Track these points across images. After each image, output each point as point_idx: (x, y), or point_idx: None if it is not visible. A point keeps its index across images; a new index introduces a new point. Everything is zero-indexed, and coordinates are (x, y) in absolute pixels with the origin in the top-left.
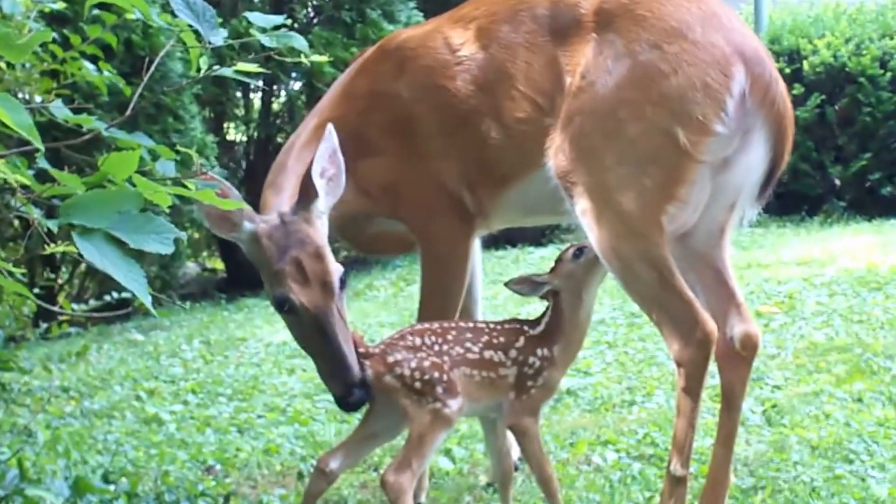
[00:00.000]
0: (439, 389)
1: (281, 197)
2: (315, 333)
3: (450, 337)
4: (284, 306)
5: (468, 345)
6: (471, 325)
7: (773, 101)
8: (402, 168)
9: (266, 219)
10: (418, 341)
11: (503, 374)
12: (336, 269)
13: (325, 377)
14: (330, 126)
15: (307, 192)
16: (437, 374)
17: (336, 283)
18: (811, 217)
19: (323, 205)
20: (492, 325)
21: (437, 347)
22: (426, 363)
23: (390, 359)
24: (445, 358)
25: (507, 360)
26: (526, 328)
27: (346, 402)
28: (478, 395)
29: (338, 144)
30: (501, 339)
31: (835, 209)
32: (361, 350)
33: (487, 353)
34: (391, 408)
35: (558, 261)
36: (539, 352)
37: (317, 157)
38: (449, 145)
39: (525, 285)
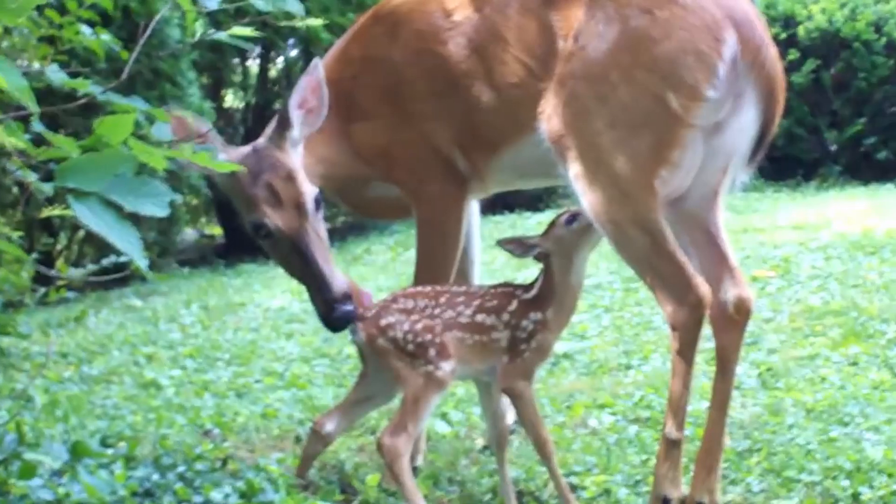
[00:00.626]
0: (432, 352)
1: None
2: (293, 255)
3: (442, 300)
4: (260, 231)
5: (460, 308)
6: (463, 288)
7: (764, 64)
8: (395, 132)
9: (239, 149)
10: (411, 304)
11: (495, 337)
12: (310, 190)
13: (310, 295)
14: (316, 60)
15: (281, 121)
16: (429, 337)
17: (310, 204)
18: (807, 181)
19: (297, 133)
20: (484, 289)
21: (429, 311)
22: (418, 326)
23: (383, 321)
24: (437, 321)
25: (499, 324)
26: (519, 292)
27: (328, 319)
28: (470, 359)
29: (323, 77)
30: (494, 303)
31: (830, 173)
32: (360, 310)
33: (479, 317)
34: (384, 370)
35: (551, 225)
36: (532, 315)
37: (297, 88)
38: (441, 109)
39: (516, 246)
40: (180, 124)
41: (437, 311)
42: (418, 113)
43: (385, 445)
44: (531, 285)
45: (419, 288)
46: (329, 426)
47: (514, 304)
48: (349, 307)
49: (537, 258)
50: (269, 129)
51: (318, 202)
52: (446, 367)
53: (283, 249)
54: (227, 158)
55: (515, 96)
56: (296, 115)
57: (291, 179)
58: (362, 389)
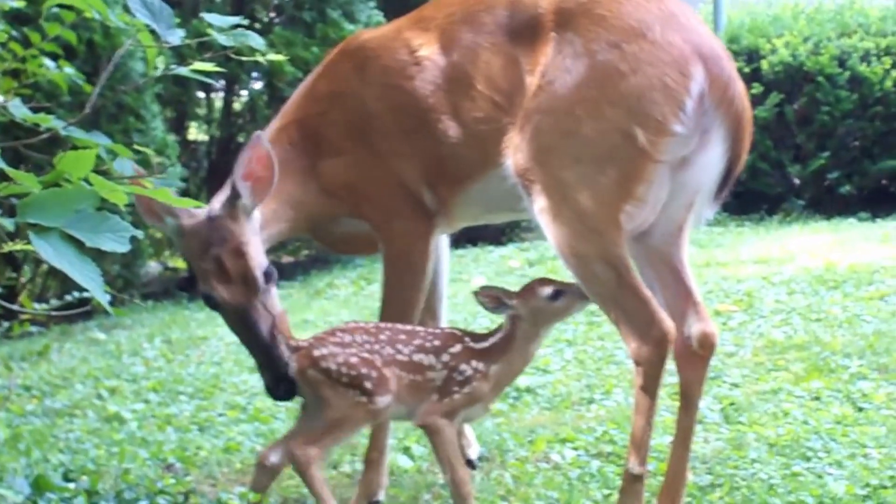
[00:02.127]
0: (368, 385)
1: (222, 194)
2: (240, 328)
3: (382, 337)
4: (209, 302)
5: (399, 346)
6: (407, 328)
7: (732, 100)
8: (363, 168)
9: (193, 213)
10: (349, 338)
11: (430, 377)
12: (259, 265)
13: (258, 368)
14: (258, 133)
15: (231, 192)
16: (365, 371)
17: (259, 279)
18: (770, 216)
19: (248, 203)
20: (428, 330)
21: (368, 346)
22: (354, 359)
23: (316, 353)
24: (377, 356)
25: (437, 364)
26: (467, 339)
27: (274, 394)
28: (406, 398)
29: (268, 150)
30: (436, 343)
31: (793, 208)
32: (292, 343)
33: (418, 357)
34: (316, 400)
35: (530, 291)
36: (473, 363)
37: (240, 160)
38: (408, 145)
39: (492, 300)
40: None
41: (376, 346)
42: (386, 149)
43: (295, 455)
44: (485, 336)
45: (360, 323)
46: (273, 458)
47: (457, 347)
48: (292, 384)
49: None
50: (221, 197)
51: (268, 275)
52: (381, 402)
53: (231, 321)
54: (178, 223)
55: (482, 131)
56: (243, 186)
57: (241, 254)
58: (306, 420)
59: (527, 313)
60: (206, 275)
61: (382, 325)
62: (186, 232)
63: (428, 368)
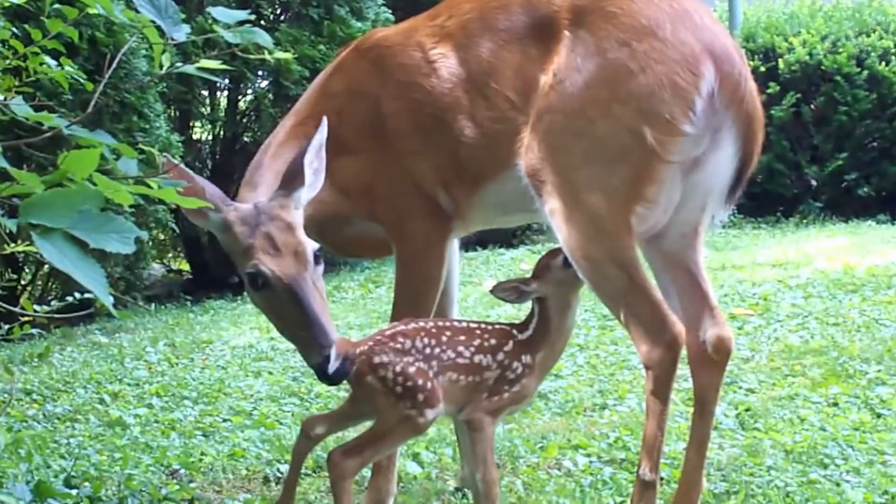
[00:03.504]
0: (420, 397)
1: (256, 192)
2: (290, 304)
3: (443, 338)
4: (258, 281)
5: (461, 348)
6: (464, 326)
7: (743, 99)
8: (378, 167)
9: (238, 206)
10: (409, 344)
11: (487, 377)
12: (309, 242)
13: (303, 350)
14: (325, 119)
15: (293, 179)
16: (421, 382)
17: (310, 254)
18: (786, 218)
19: (304, 195)
20: (483, 327)
21: (427, 350)
22: (411, 369)
23: (376, 360)
24: (434, 363)
25: (493, 364)
26: (515, 332)
27: (325, 372)
28: (460, 399)
29: (325, 138)
30: (492, 342)
31: (810, 210)
32: (351, 343)
33: (477, 358)
34: (366, 401)
35: (544, 267)
36: (523, 358)
37: (310, 147)
38: (424, 144)
39: (511, 291)
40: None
41: (436, 350)
42: (401, 148)
43: (335, 463)
44: (525, 325)
45: (420, 322)
46: (319, 428)
47: (510, 345)
48: (347, 363)
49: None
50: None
51: (317, 257)
52: (430, 414)
53: (280, 298)
54: (223, 216)
55: (497, 131)
56: (309, 174)
57: (291, 229)
58: (357, 407)
59: (549, 289)
60: (254, 250)
61: (442, 323)
62: (233, 221)
63: (486, 369)
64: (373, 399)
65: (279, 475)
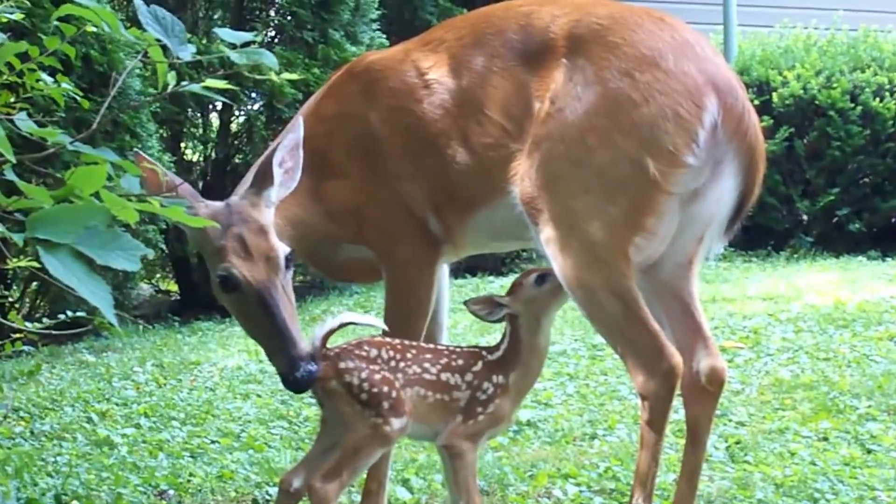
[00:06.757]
0: (385, 405)
1: (242, 186)
2: (259, 310)
3: (409, 355)
4: (227, 283)
5: (426, 365)
6: (431, 346)
7: (746, 132)
8: (367, 191)
9: (210, 203)
10: (374, 353)
11: (456, 396)
12: (281, 247)
13: (270, 355)
14: (299, 117)
15: (262, 178)
16: (385, 390)
17: (281, 259)
18: (777, 252)
19: (275, 195)
20: (452, 348)
21: (393, 363)
22: (376, 377)
23: (342, 365)
24: (399, 375)
25: (462, 384)
26: (485, 353)
27: (291, 378)
28: (428, 417)
29: (302, 138)
30: (460, 362)
31: (802, 244)
32: (320, 348)
33: (444, 376)
34: (332, 413)
35: (518, 285)
36: (494, 378)
37: (280, 146)
38: (415, 168)
39: (484, 306)
40: (152, 176)
41: (401, 364)
42: (392, 172)
43: (315, 489)
44: (496, 346)
45: (387, 339)
46: (296, 482)
47: (479, 365)
48: (313, 367)
49: (501, 319)
50: (243, 186)
51: (289, 261)
52: (396, 423)
53: (249, 303)
54: (198, 212)
55: (490, 157)
56: (277, 173)
57: (263, 233)
58: (326, 439)
59: (521, 307)
60: (226, 252)
61: (408, 342)
62: (205, 218)
63: (454, 388)
64: (338, 408)
65: (268, 497)
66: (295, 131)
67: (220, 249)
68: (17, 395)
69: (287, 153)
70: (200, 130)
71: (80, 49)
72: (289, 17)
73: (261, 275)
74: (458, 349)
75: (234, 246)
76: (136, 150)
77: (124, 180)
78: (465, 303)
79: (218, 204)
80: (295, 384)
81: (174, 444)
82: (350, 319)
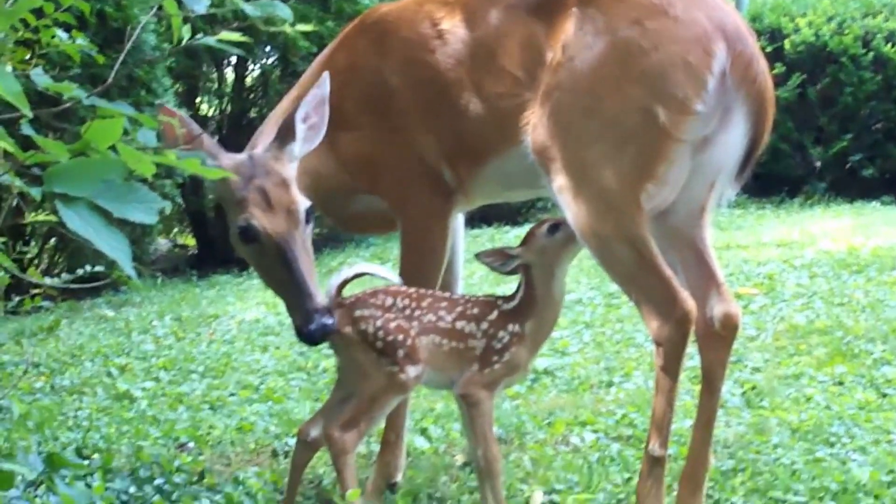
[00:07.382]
0: (400, 353)
1: (265, 137)
2: (277, 262)
3: (424, 304)
4: (247, 234)
5: (441, 313)
6: (447, 295)
7: (755, 79)
8: (381, 142)
9: (232, 156)
10: (390, 301)
11: (472, 345)
12: (302, 200)
13: (287, 307)
14: (325, 73)
15: (285, 133)
16: (400, 338)
17: (301, 213)
18: (791, 198)
19: (298, 149)
20: (467, 297)
21: (408, 311)
22: (391, 325)
23: (357, 313)
24: (414, 323)
25: (477, 332)
26: (500, 302)
27: (305, 331)
28: (444, 365)
29: (328, 94)
30: (475, 311)
31: (815, 191)
32: (336, 297)
33: (459, 324)
34: (348, 362)
35: (530, 235)
36: (510, 327)
37: (304, 101)
38: (428, 119)
39: (496, 258)
40: (169, 129)
41: (416, 313)
42: (405, 123)
43: (333, 438)
44: (512, 296)
45: (402, 287)
46: (314, 432)
47: (494, 314)
48: (328, 320)
49: (514, 271)
50: (264, 139)
51: (309, 214)
52: (412, 371)
53: (268, 255)
54: (221, 164)
55: (503, 107)
56: (300, 128)
57: (285, 186)
58: (342, 388)
59: (534, 256)
60: (247, 203)
61: (424, 291)
62: (228, 170)
63: (469, 336)
64: (354, 356)
65: (287, 449)
66: (321, 86)
67: (241, 200)
68: (36, 351)
69: (312, 108)
70: (216, 85)
71: (95, 5)
72: None
73: (281, 227)
74: (473, 298)
75: (255, 198)
76: (159, 101)
77: (140, 134)
78: (477, 255)
79: (241, 156)
80: (309, 337)
81: (193, 397)
82: (364, 270)
